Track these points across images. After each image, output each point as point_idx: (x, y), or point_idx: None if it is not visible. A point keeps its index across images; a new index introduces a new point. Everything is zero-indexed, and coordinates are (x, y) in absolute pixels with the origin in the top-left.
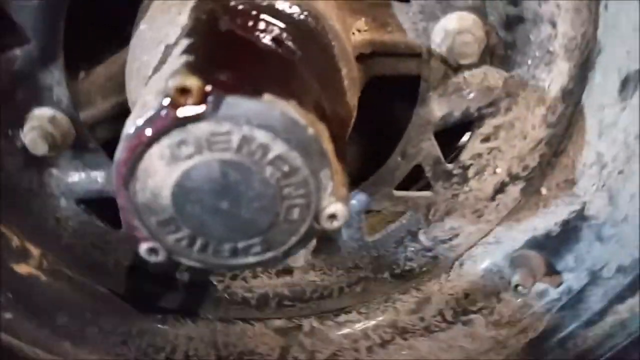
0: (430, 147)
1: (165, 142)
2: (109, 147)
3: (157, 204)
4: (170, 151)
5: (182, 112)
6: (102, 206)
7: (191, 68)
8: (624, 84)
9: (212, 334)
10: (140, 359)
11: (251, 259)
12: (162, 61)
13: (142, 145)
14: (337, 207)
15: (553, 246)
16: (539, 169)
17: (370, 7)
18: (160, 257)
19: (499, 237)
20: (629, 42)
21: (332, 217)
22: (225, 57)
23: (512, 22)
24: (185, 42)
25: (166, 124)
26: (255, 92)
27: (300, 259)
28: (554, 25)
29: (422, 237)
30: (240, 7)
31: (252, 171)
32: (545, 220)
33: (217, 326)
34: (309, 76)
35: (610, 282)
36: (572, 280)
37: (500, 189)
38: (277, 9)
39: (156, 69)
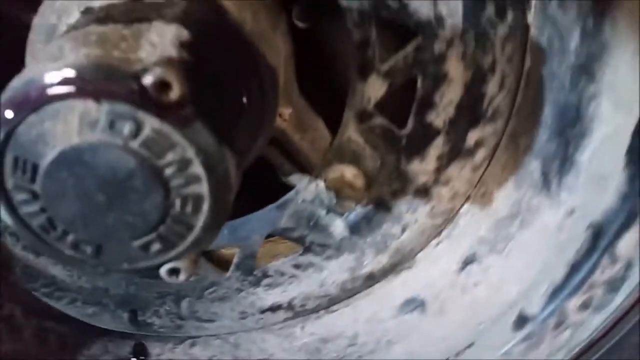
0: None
1: (106, 108)
2: None
3: (33, 146)
4: (105, 119)
5: (150, 101)
6: None
7: (188, 74)
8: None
9: None
10: None
11: (76, 254)
12: (130, 18)
13: (83, 95)
14: (185, 265)
15: None
16: (308, 313)
17: (304, 108)
18: None
19: (237, 341)
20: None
21: (175, 272)
22: (214, 86)
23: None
24: (182, 34)
25: (127, 98)
26: (221, 138)
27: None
28: (403, 230)
29: (184, 304)
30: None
31: (158, 191)
32: (282, 349)
33: None
34: (248, 142)
35: None
36: None
37: (274, 309)
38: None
39: (114, 20)
